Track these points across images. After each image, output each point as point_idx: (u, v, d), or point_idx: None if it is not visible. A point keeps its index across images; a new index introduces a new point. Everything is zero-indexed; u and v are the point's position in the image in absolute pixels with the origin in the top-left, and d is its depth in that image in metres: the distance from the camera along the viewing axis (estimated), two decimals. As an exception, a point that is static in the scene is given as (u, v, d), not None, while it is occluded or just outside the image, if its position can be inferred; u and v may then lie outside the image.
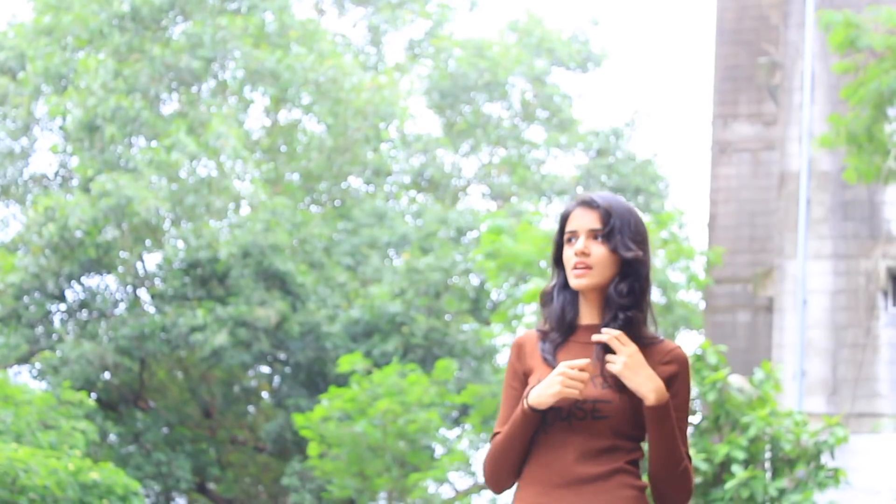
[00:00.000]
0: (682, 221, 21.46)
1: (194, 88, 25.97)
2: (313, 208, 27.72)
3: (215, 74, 25.85)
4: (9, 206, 26.68)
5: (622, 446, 3.78)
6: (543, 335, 3.96)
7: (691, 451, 11.59)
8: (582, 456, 3.77)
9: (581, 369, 3.72)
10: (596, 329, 3.88)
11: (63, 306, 24.27)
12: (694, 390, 12.10)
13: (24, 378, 23.68)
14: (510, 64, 27.95)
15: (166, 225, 24.35)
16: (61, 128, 25.26)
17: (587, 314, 3.94)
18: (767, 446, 11.76)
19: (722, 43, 21.72)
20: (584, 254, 3.86)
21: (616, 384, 3.81)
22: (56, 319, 24.28)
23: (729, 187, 21.11)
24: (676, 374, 3.85)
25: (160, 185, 23.08)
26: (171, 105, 26.18)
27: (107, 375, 23.97)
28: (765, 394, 11.95)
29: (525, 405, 3.79)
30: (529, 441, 3.83)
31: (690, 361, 12.01)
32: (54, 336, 23.89)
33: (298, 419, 19.65)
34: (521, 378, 3.93)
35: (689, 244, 21.04)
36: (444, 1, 29.58)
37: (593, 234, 3.88)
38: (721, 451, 11.54)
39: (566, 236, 3.95)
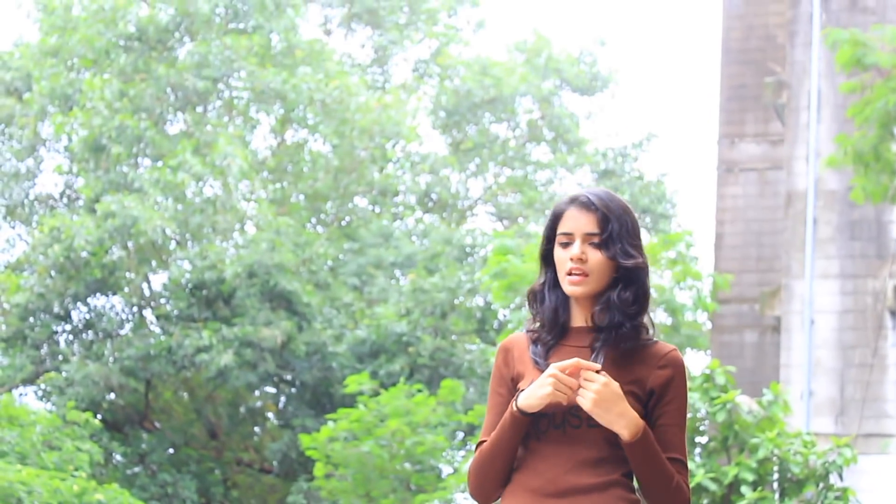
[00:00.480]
0: (690, 241, 21.42)
1: (200, 108, 25.98)
2: (319, 228, 27.70)
3: (221, 94, 25.87)
4: (14, 227, 26.69)
5: (618, 457, 3.59)
6: (534, 337, 3.75)
7: (700, 471, 11.53)
8: (576, 466, 3.59)
9: (570, 373, 3.52)
10: (589, 332, 3.70)
11: (68, 327, 24.25)
12: (702, 410, 12.04)
13: (29, 399, 23.65)
14: (516, 82, 27.95)
15: (172, 246, 24.33)
16: (67, 148, 25.28)
17: (579, 316, 3.73)
18: (776, 467, 11.70)
19: (728, 62, 21.69)
20: (581, 260, 3.65)
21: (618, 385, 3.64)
22: (61, 340, 24.25)
23: (736, 207, 21.06)
24: (672, 379, 3.67)
25: (166, 206, 23.07)
26: (177, 125, 26.20)
27: (112, 396, 23.93)
28: (773, 415, 11.89)
29: (514, 408, 3.60)
30: (517, 448, 3.65)
31: (699, 382, 12.02)
32: (59, 357, 23.86)
33: (305, 440, 19.59)
34: (509, 384, 3.73)
35: (697, 265, 20.99)
36: (451, 22, 29.60)
37: (589, 240, 3.67)
38: (730, 472, 11.48)
39: (560, 238, 3.72)
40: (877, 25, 14.19)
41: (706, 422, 12.32)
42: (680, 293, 21.06)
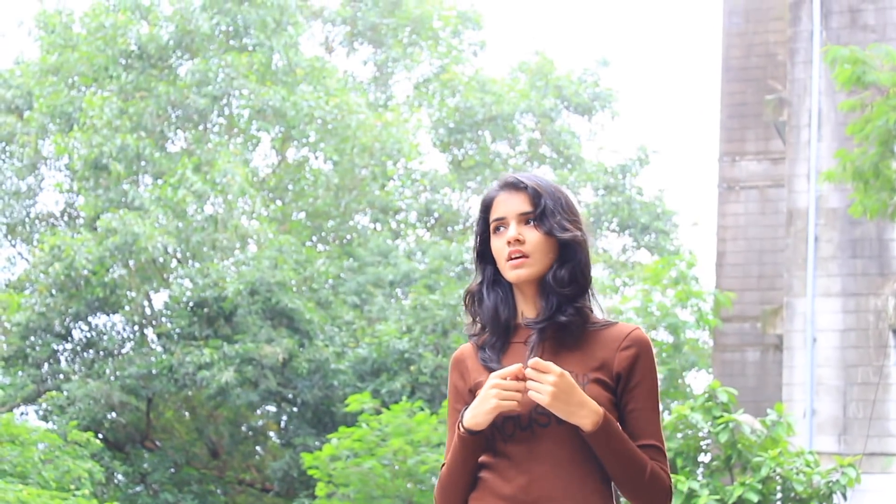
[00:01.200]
0: (692, 260, 21.42)
1: (201, 126, 26.01)
2: (320, 246, 27.70)
3: (222, 112, 25.90)
4: (15, 245, 26.69)
5: (593, 453, 3.32)
6: (480, 342, 3.50)
7: (703, 491, 11.50)
8: (551, 469, 3.33)
9: (514, 377, 3.26)
10: (537, 324, 3.44)
11: (69, 346, 24.22)
12: (705, 429, 12.03)
13: (30, 418, 23.61)
14: (516, 100, 27.98)
15: (173, 264, 24.32)
16: (67, 166, 25.28)
17: (526, 309, 3.48)
18: (779, 487, 11.69)
19: (729, 80, 21.72)
20: (518, 241, 3.41)
21: (582, 374, 3.37)
22: (62, 359, 24.22)
23: (737, 225, 21.06)
24: (638, 358, 3.39)
25: (167, 223, 23.06)
26: (178, 143, 26.22)
27: (113, 415, 23.89)
28: (776, 434, 11.88)
29: (461, 429, 3.35)
30: (475, 467, 3.38)
31: (701, 401, 12.01)
32: (61, 376, 23.83)
33: (307, 459, 19.55)
34: (468, 398, 3.47)
35: (699, 284, 20.98)
36: (453, 42, 29.62)
37: (524, 219, 3.44)
38: (734, 492, 11.47)
39: (493, 225, 3.48)
40: (873, 45, 14.21)
41: (708, 441, 12.30)
42: (682, 312, 21.06)
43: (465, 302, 3.57)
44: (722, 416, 11.81)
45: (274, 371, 23.13)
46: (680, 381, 22.50)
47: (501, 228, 3.46)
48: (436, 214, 28.09)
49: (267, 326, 23.26)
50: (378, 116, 26.34)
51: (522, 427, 3.34)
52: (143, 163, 24.13)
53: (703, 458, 12.44)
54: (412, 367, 23.05)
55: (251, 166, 26.39)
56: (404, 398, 20.67)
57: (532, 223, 3.44)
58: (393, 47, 28.93)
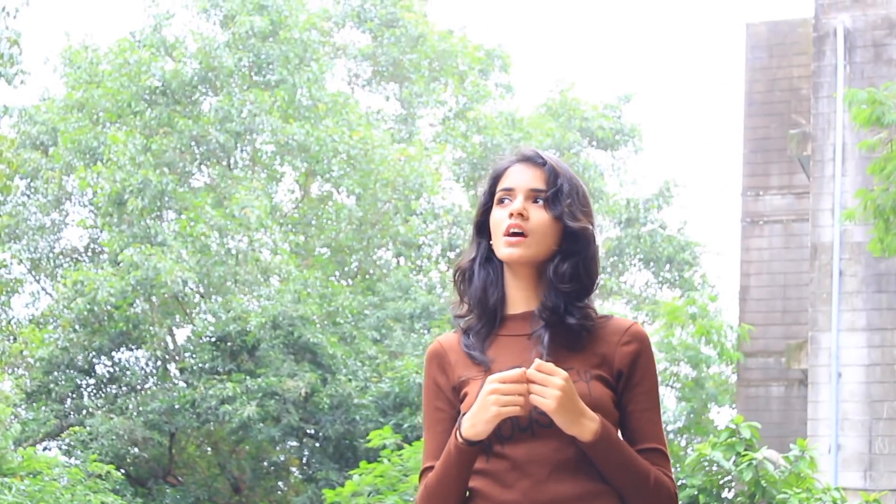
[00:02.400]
0: (712, 295, 21.36)
1: (225, 162, 26.10)
2: (343, 281, 27.71)
3: (245, 148, 25.99)
4: (39, 281, 26.76)
5: None
6: (465, 326, 3.20)
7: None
8: (554, 472, 3.04)
9: (515, 381, 2.95)
10: (530, 318, 3.14)
11: (92, 381, 24.24)
12: (727, 466, 11.92)
13: (53, 453, 23.61)
14: (542, 136, 28.01)
15: (196, 299, 24.35)
16: (91, 202, 25.38)
17: (518, 298, 3.17)
18: (804, 524, 11.56)
19: (752, 114, 21.68)
20: (521, 215, 3.10)
21: (584, 371, 3.11)
22: (85, 394, 24.24)
23: (761, 259, 20.99)
24: (639, 354, 3.15)
25: (188, 258, 23.10)
26: (201, 179, 26.31)
27: (136, 450, 23.87)
28: (801, 470, 11.77)
29: (458, 439, 3.03)
30: (468, 478, 3.08)
31: (724, 437, 11.91)
32: (84, 411, 23.85)
33: (328, 495, 19.46)
34: (449, 395, 3.17)
35: (720, 318, 20.90)
36: (480, 81, 29.65)
37: (533, 196, 3.13)
38: (758, 529, 11.36)
39: (498, 195, 3.17)
40: (887, 84, 14.19)
41: (731, 476, 12.20)
42: (704, 347, 20.97)
43: (454, 278, 3.26)
44: (746, 454, 11.71)
45: (296, 406, 23.10)
46: (703, 416, 22.38)
47: (507, 200, 3.16)
48: (458, 250, 28.07)
49: (290, 361, 23.25)
50: (402, 151, 26.39)
51: (522, 428, 3.06)
52: (166, 199, 24.20)
53: (727, 494, 12.33)
54: (435, 403, 22.98)
55: (275, 201, 26.45)
56: (426, 434, 20.63)
57: (541, 203, 3.13)
58: (415, 83, 28.99)
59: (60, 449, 23.83)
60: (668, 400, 22.81)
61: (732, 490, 12.42)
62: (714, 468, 12.07)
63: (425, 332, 25.03)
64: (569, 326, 3.12)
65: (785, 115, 21.47)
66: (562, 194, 3.12)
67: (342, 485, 19.92)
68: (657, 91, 55.92)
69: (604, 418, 3.03)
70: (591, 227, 3.15)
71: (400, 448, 19.39)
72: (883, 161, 13.20)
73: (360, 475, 19.16)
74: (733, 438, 11.88)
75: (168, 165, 24.71)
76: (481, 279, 3.16)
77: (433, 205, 27.80)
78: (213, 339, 23.81)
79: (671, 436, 22.69)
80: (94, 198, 24.60)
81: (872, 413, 16.91)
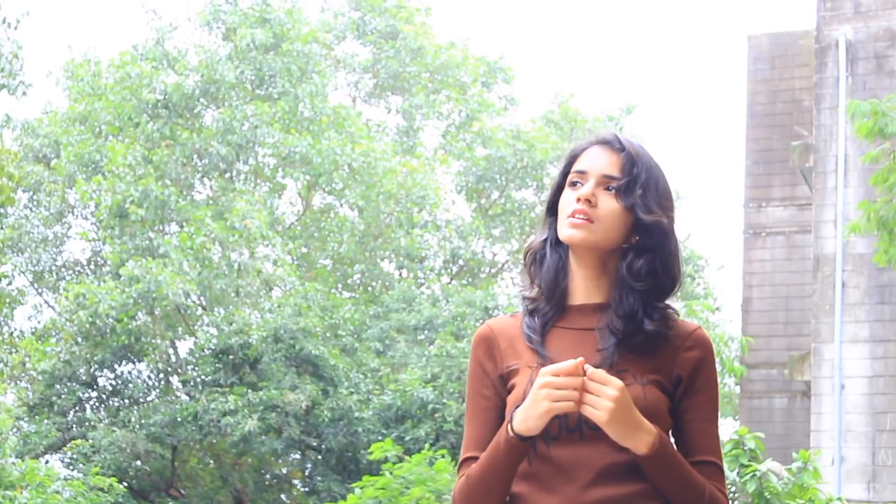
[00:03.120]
0: (713, 306, 21.33)
1: (227, 175, 26.12)
2: (345, 293, 27.70)
3: (247, 160, 26.00)
4: (42, 294, 26.76)
5: None
6: (530, 307, 2.99)
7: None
8: (600, 475, 2.87)
9: (569, 373, 2.77)
10: (591, 311, 2.96)
11: (94, 394, 24.23)
12: (732, 474, 11.91)
13: (55, 466, 23.59)
14: (548, 149, 27.99)
15: (198, 312, 24.35)
16: (93, 214, 25.39)
17: (581, 288, 2.99)
18: (808, 535, 11.54)
19: (754, 126, 21.69)
20: (588, 201, 2.92)
21: (640, 374, 2.92)
22: (88, 407, 24.23)
23: (763, 271, 20.98)
24: (702, 361, 2.97)
25: (189, 270, 23.10)
26: (203, 192, 26.32)
27: (138, 463, 23.85)
28: (804, 482, 11.74)
29: (509, 432, 2.85)
30: (514, 475, 2.90)
31: (728, 448, 11.89)
32: (86, 424, 23.84)
33: (330, 507, 19.48)
34: (496, 383, 2.99)
35: (723, 330, 20.88)
36: (479, 91, 29.65)
37: (606, 183, 2.94)
38: (761, 541, 11.33)
39: (571, 177, 2.99)
40: (889, 95, 14.19)
41: (735, 488, 12.18)
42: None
43: (524, 259, 3.06)
44: (750, 465, 11.69)
45: (297, 418, 23.09)
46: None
47: (578, 183, 2.97)
48: (461, 262, 28.07)
49: (291, 373, 23.24)
50: (404, 164, 26.40)
51: (570, 428, 2.87)
52: (168, 211, 24.21)
53: (731, 506, 12.31)
54: (437, 415, 22.98)
55: (277, 214, 26.45)
56: (427, 445, 20.59)
57: (613, 191, 2.94)
58: (416, 95, 29.00)
59: (63, 462, 23.82)
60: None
61: (737, 502, 12.40)
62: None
63: (429, 344, 25.02)
64: (645, 332, 2.93)
65: (787, 126, 21.47)
66: (636, 184, 2.93)
67: (345, 497, 19.91)
68: (659, 103, 55.98)
69: (658, 426, 2.87)
70: (666, 220, 2.94)
71: (401, 461, 19.38)
72: (885, 172, 13.20)
73: (361, 488, 19.16)
74: (737, 450, 11.87)
75: (170, 177, 24.72)
76: (553, 261, 2.99)
77: (435, 217, 27.80)
78: (216, 352, 23.82)
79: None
80: (97, 210, 24.62)
81: (876, 424, 16.89)
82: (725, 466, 11.71)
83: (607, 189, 2.94)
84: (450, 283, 28.29)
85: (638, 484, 2.87)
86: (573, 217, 2.92)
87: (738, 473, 11.73)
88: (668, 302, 2.99)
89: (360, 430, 23.30)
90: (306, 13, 27.61)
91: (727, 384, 23.50)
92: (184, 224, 24.38)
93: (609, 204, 2.92)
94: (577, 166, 3.00)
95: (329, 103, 26.49)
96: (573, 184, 2.98)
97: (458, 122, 29.60)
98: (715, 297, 23.29)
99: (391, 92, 29.92)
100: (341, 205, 27.34)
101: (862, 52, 17.98)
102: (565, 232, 2.93)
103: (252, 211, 23.35)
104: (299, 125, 25.91)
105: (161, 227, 24.74)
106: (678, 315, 2.98)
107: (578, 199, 2.92)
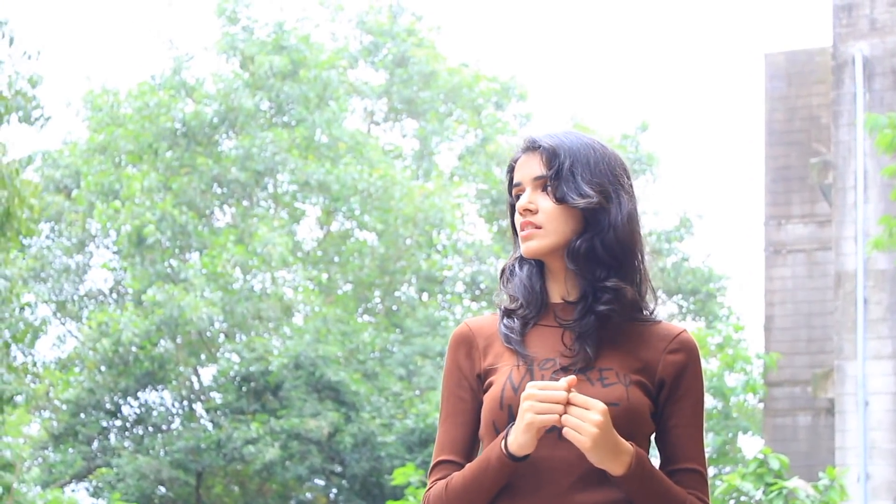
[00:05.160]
0: (739, 325, 21.30)
1: (246, 202, 26.20)
2: (366, 317, 27.72)
3: (265, 187, 26.09)
4: (65, 323, 26.85)
5: None
6: (508, 310, 2.96)
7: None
8: (580, 479, 2.79)
9: (555, 390, 2.72)
10: (569, 308, 2.90)
11: (119, 422, 24.29)
12: (757, 496, 11.89)
13: (81, 495, 23.66)
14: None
15: (220, 338, 24.41)
16: (114, 243, 25.49)
17: (558, 288, 2.95)
18: (835, 553, 11.52)
19: (772, 144, 21.68)
20: (528, 211, 2.90)
21: (624, 374, 2.86)
22: (112, 435, 24.29)
23: (784, 289, 20.94)
24: (686, 367, 2.90)
25: (212, 295, 23.16)
26: (223, 219, 26.41)
27: (163, 490, 23.89)
28: (830, 499, 11.72)
29: (504, 451, 2.77)
30: (497, 491, 2.82)
31: (752, 467, 11.88)
32: (110, 452, 23.89)
33: (355, 532, 19.48)
34: (473, 383, 2.94)
35: (745, 348, 20.85)
36: (496, 113, 29.67)
37: (539, 184, 2.91)
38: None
39: (514, 193, 2.98)
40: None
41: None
42: (729, 377, 20.90)
43: (500, 278, 3.04)
44: (775, 483, 11.68)
45: (319, 446, 23.10)
46: (729, 446, 22.28)
47: (520, 196, 2.95)
48: (482, 285, 28.06)
49: (312, 400, 23.25)
50: (421, 187, 26.45)
51: (546, 430, 2.78)
52: (188, 238, 24.30)
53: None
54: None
55: (296, 239, 26.51)
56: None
57: (548, 189, 2.91)
58: (430, 120, 29.07)
59: (88, 490, 23.89)
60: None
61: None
62: (743, 498, 12.03)
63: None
64: (595, 313, 2.87)
65: (805, 143, 21.47)
66: (561, 174, 2.89)
67: (370, 522, 19.94)
68: (677, 122, 55.93)
69: (640, 430, 2.84)
70: (598, 198, 2.87)
71: (425, 485, 19.39)
72: (905, 187, 13.20)
73: (386, 513, 19.17)
74: (761, 468, 11.85)
75: (189, 205, 24.82)
76: (526, 273, 2.96)
77: (454, 240, 27.81)
78: (238, 379, 23.87)
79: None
80: (117, 239, 24.72)
81: (901, 441, 16.82)
82: (751, 486, 11.71)
83: (543, 190, 2.91)
84: (472, 306, 28.29)
85: (618, 490, 2.79)
86: (522, 230, 2.90)
87: (763, 492, 11.72)
88: (617, 281, 2.90)
89: (382, 454, 23.30)
90: (320, 39, 27.72)
91: (750, 402, 23.42)
92: (203, 251, 24.46)
93: (547, 204, 2.90)
94: (514, 181, 2.97)
95: (346, 129, 26.57)
96: (517, 198, 2.96)
97: (473, 145, 29.65)
98: (738, 316, 23.23)
99: (406, 115, 29.99)
100: (360, 229, 27.40)
101: (879, 68, 17.98)
102: (523, 248, 2.92)
103: (274, 237, 23.43)
104: (317, 151, 25.99)
105: (181, 255, 24.82)
106: (642, 297, 2.93)
107: (520, 211, 2.91)
